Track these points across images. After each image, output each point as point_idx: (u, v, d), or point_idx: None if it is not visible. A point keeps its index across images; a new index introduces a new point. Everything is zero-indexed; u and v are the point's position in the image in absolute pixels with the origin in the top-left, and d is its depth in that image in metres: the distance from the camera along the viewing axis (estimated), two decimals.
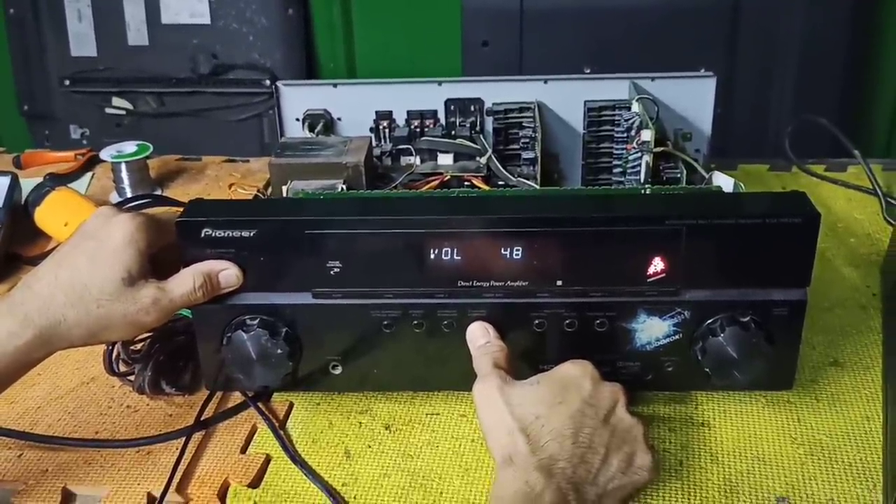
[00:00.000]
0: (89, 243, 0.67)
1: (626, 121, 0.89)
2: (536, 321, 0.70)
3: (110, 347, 0.76)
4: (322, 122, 0.99)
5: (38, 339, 0.64)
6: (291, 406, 0.77)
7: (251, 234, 0.69)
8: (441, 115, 0.97)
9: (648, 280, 0.68)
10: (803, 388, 0.76)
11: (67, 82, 1.99)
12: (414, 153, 0.94)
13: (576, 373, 0.65)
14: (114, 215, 0.68)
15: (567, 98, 0.96)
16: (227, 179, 1.19)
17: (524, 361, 0.72)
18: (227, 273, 0.69)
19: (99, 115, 2.00)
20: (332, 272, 0.69)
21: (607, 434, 0.61)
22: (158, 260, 0.69)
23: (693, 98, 0.96)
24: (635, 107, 0.87)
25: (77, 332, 0.66)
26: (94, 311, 0.65)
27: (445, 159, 0.93)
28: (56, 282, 0.65)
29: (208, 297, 0.69)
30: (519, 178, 0.88)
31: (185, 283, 0.68)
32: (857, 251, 0.96)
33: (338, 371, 0.74)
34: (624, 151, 0.89)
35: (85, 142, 2.01)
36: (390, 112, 0.98)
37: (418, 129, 0.97)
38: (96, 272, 0.66)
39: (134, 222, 0.67)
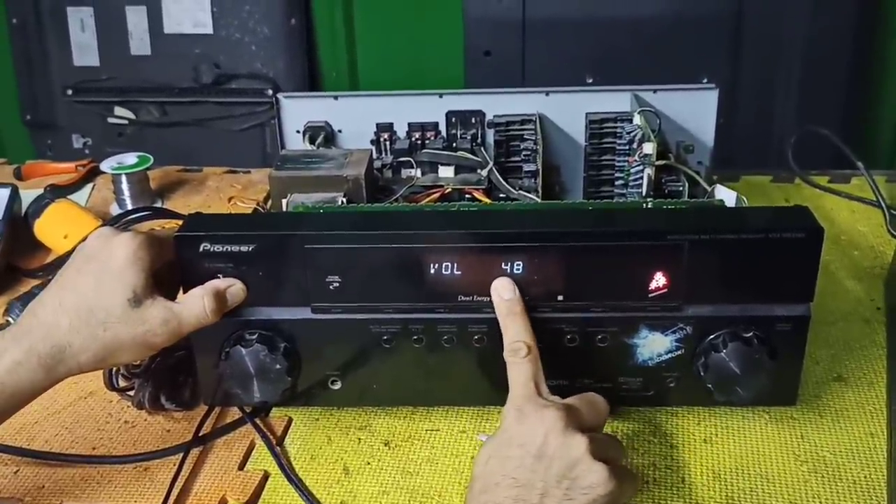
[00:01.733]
0: (91, 265, 0.66)
1: (627, 133, 0.88)
2: (537, 336, 0.70)
3: None
4: (323, 135, 0.98)
5: (44, 367, 0.63)
6: (290, 421, 0.76)
7: (250, 249, 0.68)
8: (442, 128, 0.97)
9: (650, 295, 0.68)
10: (807, 404, 0.75)
11: (70, 92, 1.99)
12: (415, 165, 0.93)
13: (503, 427, 0.62)
14: (114, 235, 0.67)
15: (568, 110, 0.96)
16: (228, 191, 1.18)
17: None
18: (234, 290, 0.69)
19: (101, 125, 2.01)
20: (331, 287, 0.69)
21: (542, 468, 0.58)
22: (158, 276, 0.68)
23: (695, 110, 0.95)
24: (637, 119, 0.87)
25: (85, 357, 0.64)
26: (101, 334, 0.64)
27: (446, 172, 0.92)
28: (60, 307, 0.64)
29: (219, 317, 0.68)
30: (520, 191, 0.88)
31: (196, 306, 0.67)
32: (860, 264, 0.96)
33: (337, 386, 0.74)
34: (626, 164, 0.88)
35: (87, 151, 2.01)
36: (391, 124, 0.97)
37: (419, 142, 0.96)
38: (101, 294, 0.65)
39: (136, 241, 0.66)
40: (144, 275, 0.66)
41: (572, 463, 0.58)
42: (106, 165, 1.13)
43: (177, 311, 0.67)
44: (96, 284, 0.65)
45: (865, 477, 0.68)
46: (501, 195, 0.88)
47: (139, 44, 1.94)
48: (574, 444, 0.59)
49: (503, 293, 0.68)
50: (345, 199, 0.82)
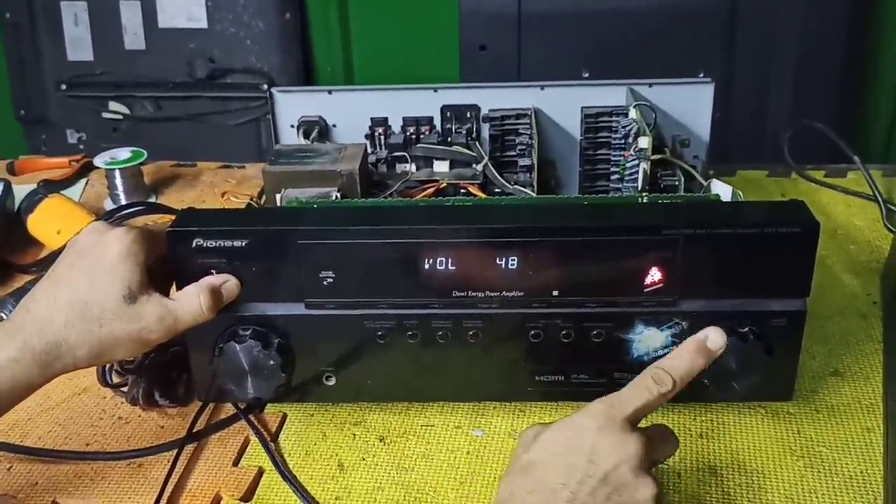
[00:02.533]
0: (85, 261, 0.65)
1: (623, 127, 0.88)
2: (532, 332, 0.69)
3: None
4: (317, 129, 0.98)
5: (39, 364, 0.63)
6: (285, 417, 0.76)
7: (243, 244, 0.68)
8: (437, 122, 0.97)
9: (646, 290, 0.68)
10: (803, 399, 0.75)
11: (64, 87, 1.98)
12: (409, 160, 0.93)
13: (585, 423, 0.58)
14: (108, 230, 0.67)
15: (564, 104, 0.96)
16: (223, 186, 1.18)
17: (520, 373, 0.72)
18: (228, 286, 0.69)
19: (96, 120, 2.00)
20: (325, 282, 0.69)
21: (603, 494, 0.55)
22: (151, 271, 0.67)
23: (691, 104, 0.95)
24: (632, 113, 0.87)
25: (80, 353, 0.64)
26: (97, 330, 0.64)
27: (441, 166, 0.92)
28: (55, 303, 0.64)
29: (214, 314, 0.68)
30: (515, 186, 0.87)
31: (192, 303, 0.67)
32: (856, 258, 0.95)
33: (331, 382, 0.73)
34: (621, 158, 0.88)
35: (82, 146, 2.00)
36: (386, 118, 0.97)
37: (414, 136, 0.96)
38: (96, 290, 0.64)
39: (129, 236, 0.66)
40: (139, 269, 0.65)
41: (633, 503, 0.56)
42: (99, 160, 1.12)
43: (172, 308, 0.66)
44: (90, 280, 0.64)
45: (862, 472, 0.68)
46: (496, 190, 0.88)
47: (133, 38, 1.93)
48: (642, 487, 0.56)
49: (710, 340, 0.62)
50: (339, 194, 0.82)
